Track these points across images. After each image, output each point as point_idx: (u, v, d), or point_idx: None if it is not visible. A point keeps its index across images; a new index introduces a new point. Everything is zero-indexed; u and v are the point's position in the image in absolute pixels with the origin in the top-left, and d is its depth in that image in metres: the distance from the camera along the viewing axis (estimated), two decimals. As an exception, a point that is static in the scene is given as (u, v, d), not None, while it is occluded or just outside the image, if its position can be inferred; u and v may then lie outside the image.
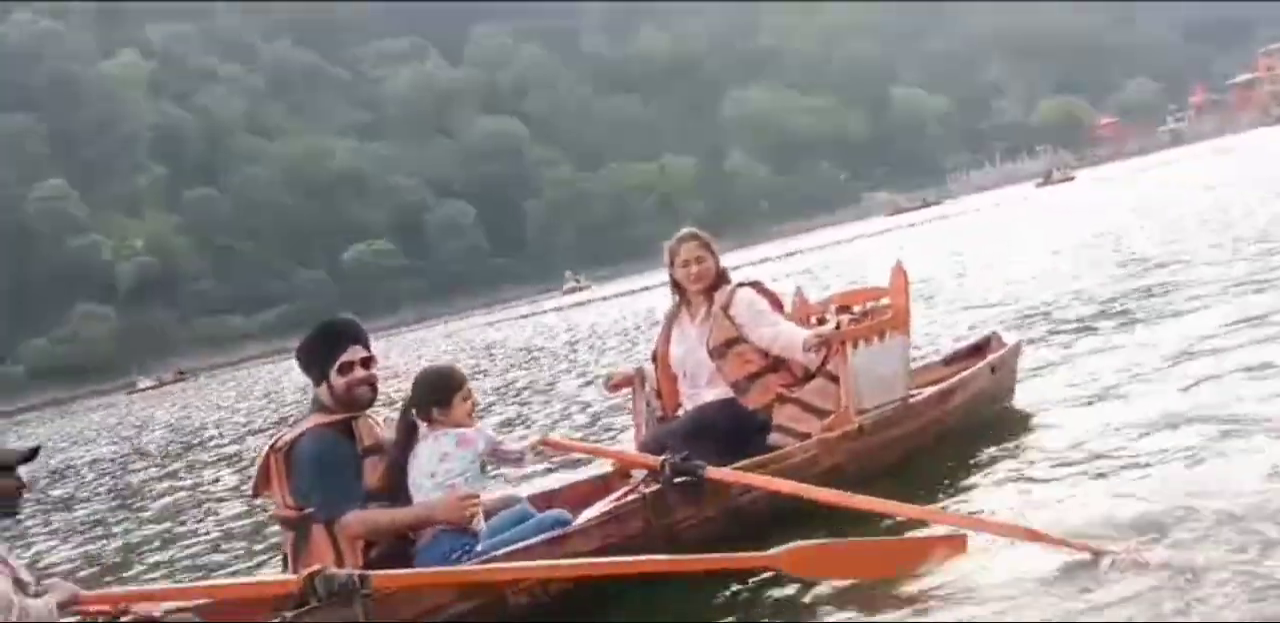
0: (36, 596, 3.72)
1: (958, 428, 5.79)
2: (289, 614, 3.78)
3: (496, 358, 22.74)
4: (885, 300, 5.70)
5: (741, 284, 5.65)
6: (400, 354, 32.66)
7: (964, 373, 6.08)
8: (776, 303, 5.63)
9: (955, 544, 4.04)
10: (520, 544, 4.28)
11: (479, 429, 4.54)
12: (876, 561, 4.05)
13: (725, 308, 5.51)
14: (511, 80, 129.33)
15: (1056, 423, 5.78)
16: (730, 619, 4.01)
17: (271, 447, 4.51)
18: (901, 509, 4.44)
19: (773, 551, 4.06)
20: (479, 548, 4.32)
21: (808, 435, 5.19)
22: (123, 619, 3.98)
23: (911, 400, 5.61)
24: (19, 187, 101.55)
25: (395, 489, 4.38)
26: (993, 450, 5.47)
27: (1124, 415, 5.53)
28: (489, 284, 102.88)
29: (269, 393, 29.58)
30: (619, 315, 27.34)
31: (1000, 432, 5.81)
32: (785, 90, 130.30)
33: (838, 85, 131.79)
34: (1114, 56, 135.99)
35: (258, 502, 6.48)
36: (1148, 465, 4.64)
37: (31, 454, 3.90)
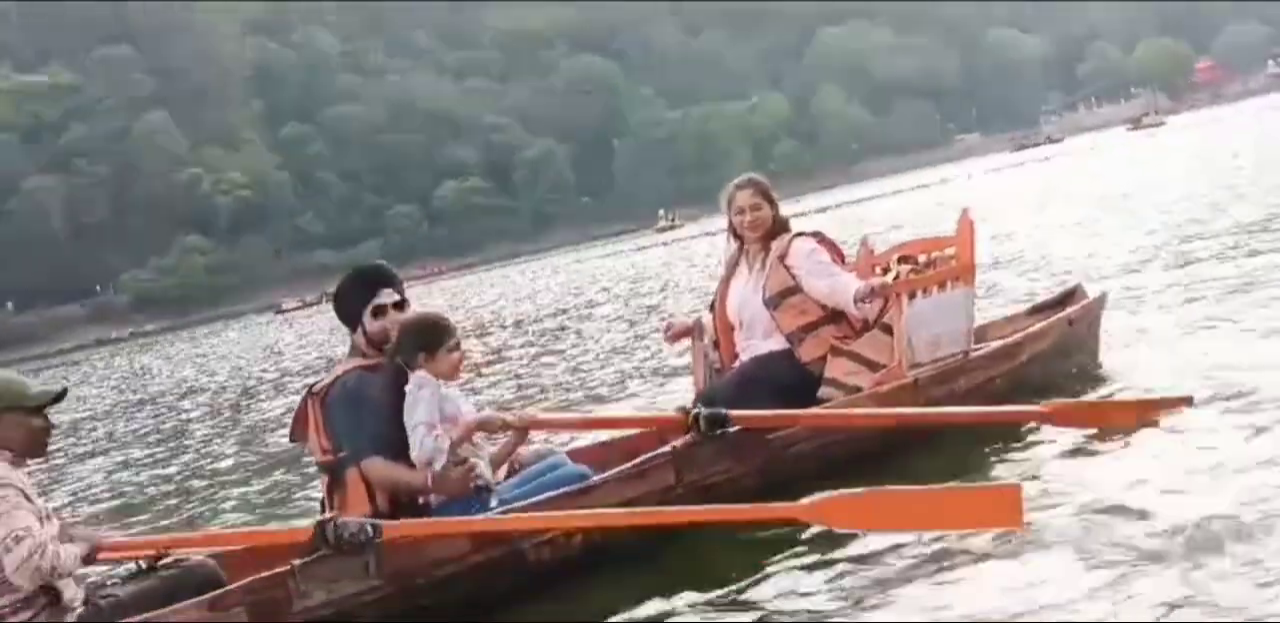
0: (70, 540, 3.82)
1: (1026, 384, 5.39)
2: (297, 562, 3.75)
3: (577, 294, 23.18)
4: (951, 250, 5.40)
5: (801, 233, 5.37)
6: (479, 292, 33.01)
7: (1035, 326, 5.73)
8: (837, 253, 5.38)
9: (1007, 497, 3.68)
10: (539, 497, 4.17)
11: (414, 379, 4.27)
12: (919, 512, 3.79)
13: (782, 257, 5.26)
14: (603, 19, 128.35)
15: (1142, 384, 5.33)
16: (761, 575, 3.83)
17: (309, 392, 4.53)
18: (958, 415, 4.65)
19: (804, 501, 3.88)
20: (494, 503, 4.21)
21: (859, 390, 4.97)
22: (141, 563, 4.10)
23: (974, 355, 5.31)
24: (124, 119, 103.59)
25: (396, 438, 4.28)
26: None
27: (1218, 385, 4.95)
28: (577, 222, 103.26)
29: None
30: (709, 251, 26.69)
31: (1074, 390, 5.41)
32: (877, 30, 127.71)
33: (932, 26, 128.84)
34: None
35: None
36: (1226, 444, 4.13)
37: (59, 396, 3.92)
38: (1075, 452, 4.55)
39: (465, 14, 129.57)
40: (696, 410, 4.54)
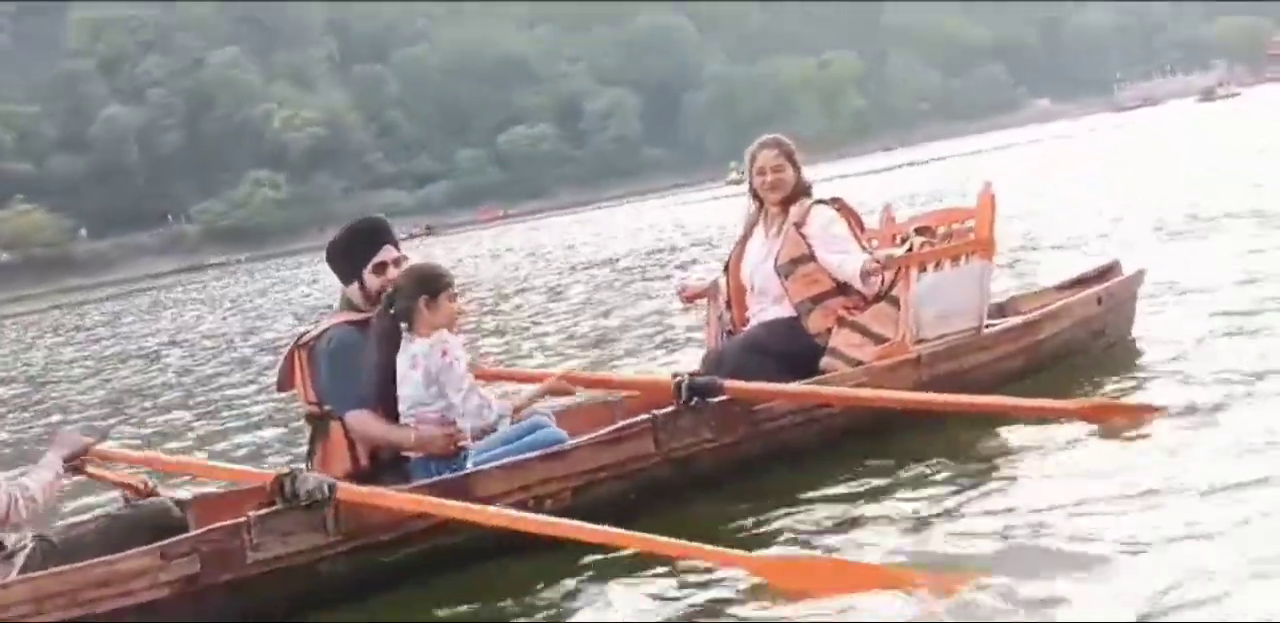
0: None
1: (1047, 363, 5.25)
2: (252, 513, 3.75)
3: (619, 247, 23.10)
4: (971, 223, 5.25)
5: (821, 201, 5.26)
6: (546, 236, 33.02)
7: (1060, 303, 5.54)
8: (857, 221, 5.29)
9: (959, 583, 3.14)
10: (506, 461, 4.14)
11: (433, 340, 4.22)
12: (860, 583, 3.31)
13: (799, 224, 5.17)
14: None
15: (1174, 371, 5.09)
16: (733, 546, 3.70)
17: (296, 343, 4.53)
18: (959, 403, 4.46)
19: (759, 555, 3.59)
20: (469, 464, 4.20)
21: (860, 363, 4.85)
22: (127, 495, 4.26)
23: (987, 331, 5.15)
24: (201, 51, 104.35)
25: (384, 393, 4.29)
26: (1085, 391, 4.89)
27: (1259, 379, 4.66)
28: (642, 173, 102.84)
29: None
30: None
31: (1099, 373, 5.21)
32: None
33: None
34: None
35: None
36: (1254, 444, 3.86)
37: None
38: (1059, 450, 4.35)
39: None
40: (680, 379, 4.46)
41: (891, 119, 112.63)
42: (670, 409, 4.41)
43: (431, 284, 4.28)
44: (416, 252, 42.56)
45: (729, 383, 4.49)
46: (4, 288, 77.27)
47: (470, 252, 36.06)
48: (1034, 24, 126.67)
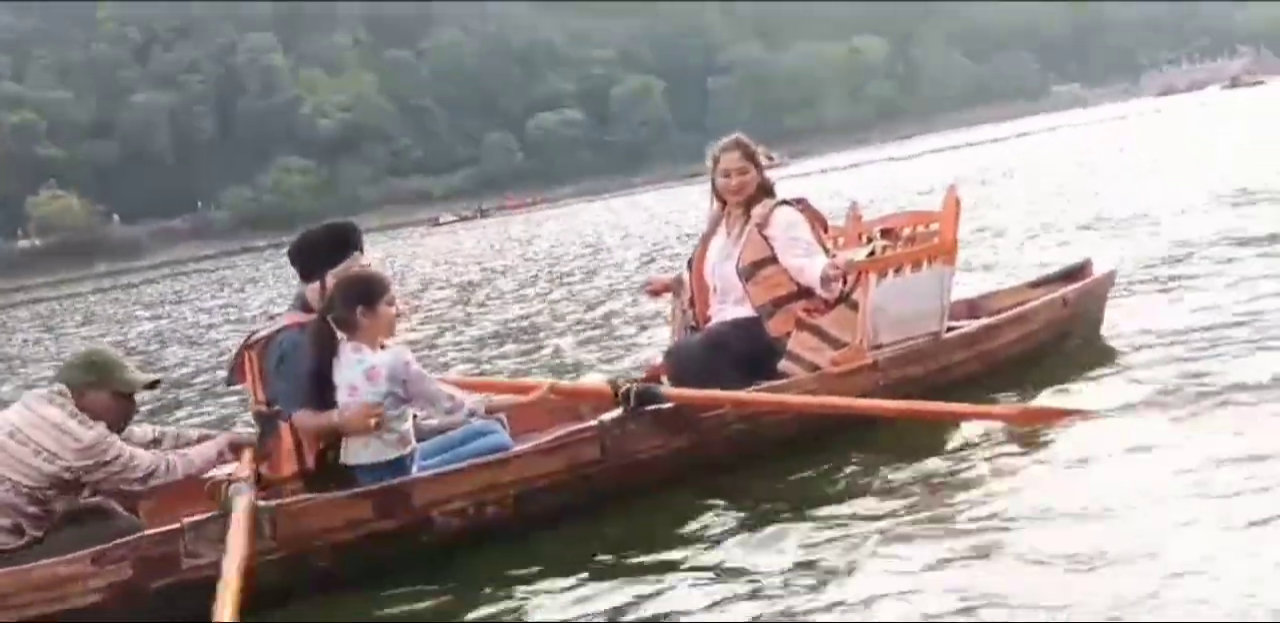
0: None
1: (1007, 366, 5.22)
2: (186, 519, 3.80)
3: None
4: (935, 226, 5.18)
5: (784, 202, 5.23)
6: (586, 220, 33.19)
7: (1026, 306, 5.51)
8: (821, 223, 5.26)
9: None
10: (449, 467, 4.16)
11: (395, 354, 4.23)
12: None
13: (761, 226, 5.14)
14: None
15: (1139, 377, 5.01)
16: (677, 552, 3.85)
17: (245, 342, 4.55)
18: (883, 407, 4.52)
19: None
20: (414, 469, 4.21)
21: (817, 368, 4.84)
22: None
23: (948, 335, 5.14)
24: (230, 36, 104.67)
25: (319, 400, 4.24)
26: (1045, 397, 4.86)
27: (1208, 387, 4.62)
28: (671, 158, 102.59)
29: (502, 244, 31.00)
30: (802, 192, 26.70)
31: (1049, 379, 5.13)
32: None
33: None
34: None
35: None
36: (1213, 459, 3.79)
37: (152, 385, 4.30)
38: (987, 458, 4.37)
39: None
40: (628, 387, 4.48)
41: (918, 105, 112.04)
42: (616, 415, 4.41)
43: (367, 293, 4.23)
44: (469, 232, 43.92)
45: (672, 390, 4.51)
46: (39, 273, 78.13)
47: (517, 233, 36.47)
48: (1062, 8, 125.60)
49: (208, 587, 3.64)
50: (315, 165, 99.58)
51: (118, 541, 3.78)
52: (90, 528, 4.06)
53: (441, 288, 18.71)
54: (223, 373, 4.96)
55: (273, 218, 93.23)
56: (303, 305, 4.54)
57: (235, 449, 4.32)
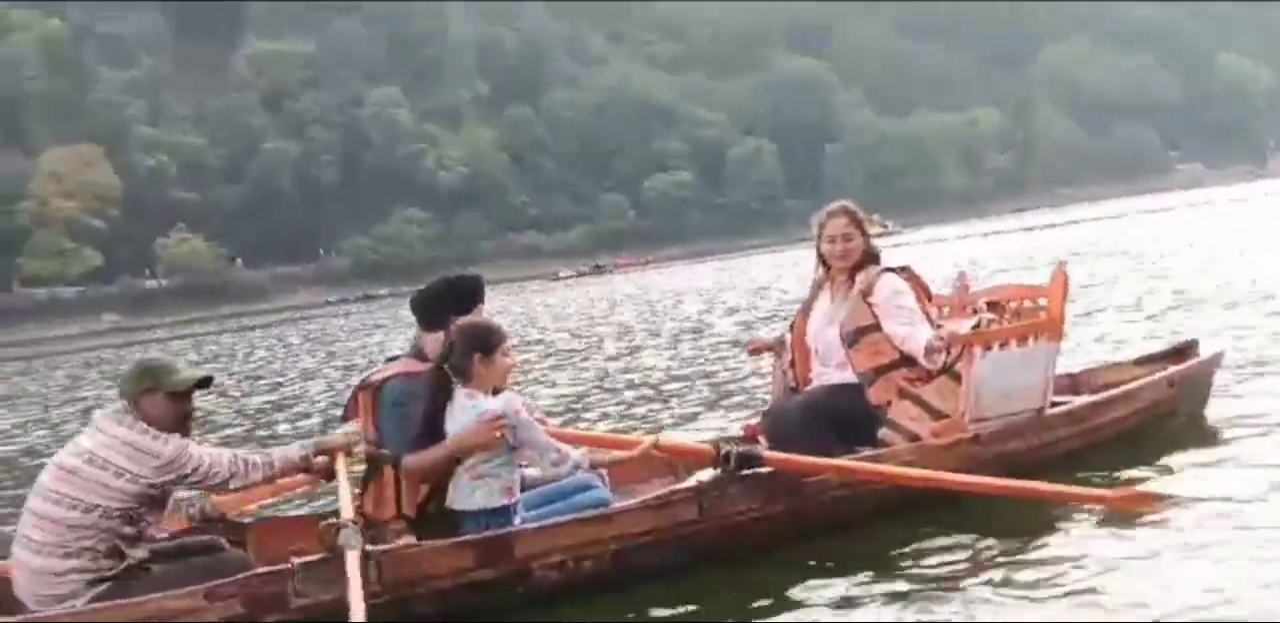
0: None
1: (1109, 444, 5.22)
2: (297, 561, 3.91)
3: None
4: (1043, 302, 5.21)
5: (890, 269, 5.25)
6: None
7: (1131, 384, 5.49)
8: (925, 292, 5.29)
9: None
10: (550, 521, 4.24)
11: (507, 399, 4.33)
12: None
13: (865, 293, 5.16)
14: (819, 19, 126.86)
15: (1228, 456, 5.00)
16: (774, 615, 3.91)
17: (360, 384, 4.69)
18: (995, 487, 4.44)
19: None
20: (517, 520, 4.29)
21: (917, 437, 4.88)
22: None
23: (1050, 412, 5.13)
24: (356, 89, 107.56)
25: (430, 445, 4.35)
26: (1148, 475, 4.83)
27: None
28: (782, 222, 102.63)
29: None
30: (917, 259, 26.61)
31: (1163, 457, 5.09)
32: (1100, 47, 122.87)
33: (1157, 47, 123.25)
34: None
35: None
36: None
37: (203, 382, 4.30)
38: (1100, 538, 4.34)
39: (684, 6, 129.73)
40: (729, 449, 4.50)
41: (1035, 177, 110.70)
42: (716, 476, 4.47)
43: (485, 341, 4.36)
44: (584, 288, 44.97)
45: (773, 455, 4.54)
46: (166, 313, 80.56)
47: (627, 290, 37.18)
48: (1179, 72, 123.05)
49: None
50: (433, 217, 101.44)
51: (231, 578, 3.91)
52: (200, 562, 4.20)
53: (554, 340, 18.99)
54: (337, 411, 5.11)
55: (391, 267, 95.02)
56: (417, 353, 4.65)
57: (326, 452, 4.39)
